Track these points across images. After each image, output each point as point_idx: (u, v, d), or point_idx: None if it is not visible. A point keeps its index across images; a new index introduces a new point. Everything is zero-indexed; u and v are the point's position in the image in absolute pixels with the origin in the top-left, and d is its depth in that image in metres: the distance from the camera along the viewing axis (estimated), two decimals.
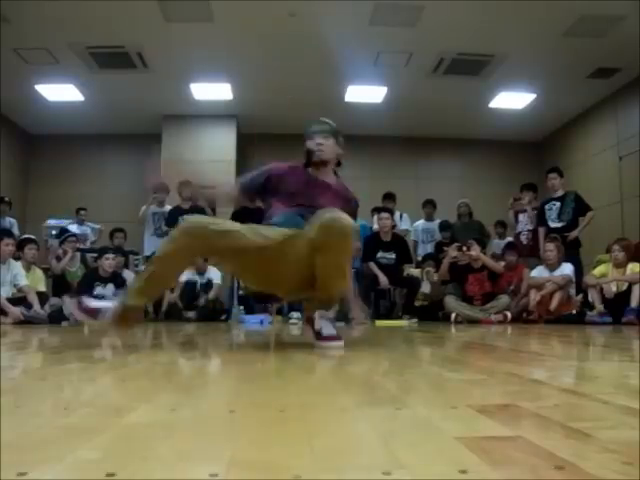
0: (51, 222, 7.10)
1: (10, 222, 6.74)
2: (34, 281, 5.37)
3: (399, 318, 5.61)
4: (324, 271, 2.13)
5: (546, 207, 6.04)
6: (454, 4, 5.40)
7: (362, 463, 0.62)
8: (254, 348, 2.55)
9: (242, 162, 8.69)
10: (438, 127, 8.77)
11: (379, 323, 5.06)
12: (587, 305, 5.29)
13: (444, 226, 6.97)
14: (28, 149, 8.84)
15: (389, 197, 6.93)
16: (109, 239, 6.92)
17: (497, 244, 6.97)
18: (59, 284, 6.03)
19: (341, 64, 6.72)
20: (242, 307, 6.03)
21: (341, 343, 2.21)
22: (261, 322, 5.35)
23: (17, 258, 5.36)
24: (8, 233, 5.61)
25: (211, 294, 6.04)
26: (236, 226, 2.19)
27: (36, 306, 4.97)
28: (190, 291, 6.05)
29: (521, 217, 6.54)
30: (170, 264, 2.19)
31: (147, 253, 6.70)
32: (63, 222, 7.09)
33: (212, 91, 7.59)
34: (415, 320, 5.36)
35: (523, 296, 5.62)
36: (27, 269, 5.35)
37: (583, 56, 6.44)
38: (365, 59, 6.66)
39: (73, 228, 7.11)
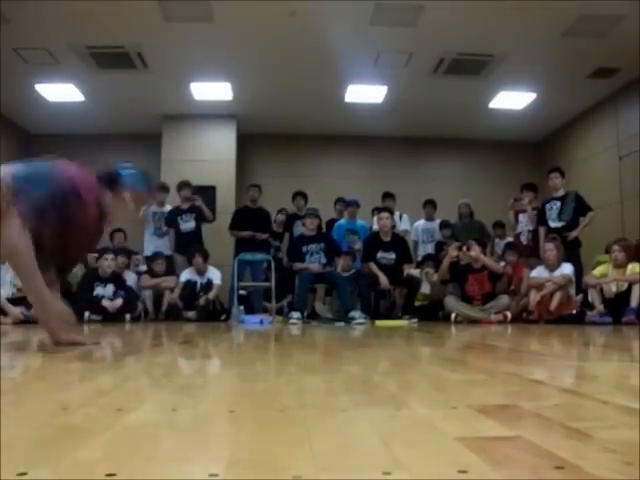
0: None
1: None
2: None
3: (399, 318, 5.60)
4: None
5: (547, 206, 6.04)
6: (454, 4, 5.40)
7: (362, 463, 0.62)
8: (254, 348, 2.55)
9: (242, 162, 8.70)
10: (438, 127, 8.76)
11: (379, 323, 5.05)
12: (587, 305, 5.28)
13: (444, 224, 6.98)
14: (28, 149, 8.82)
15: (389, 196, 6.94)
16: (109, 240, 6.91)
17: (497, 244, 6.97)
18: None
19: (341, 64, 6.71)
20: (242, 307, 6.03)
21: None
22: (261, 322, 5.35)
23: None
24: None
25: (211, 294, 6.04)
26: None
27: None
28: (190, 291, 6.05)
29: (521, 217, 6.54)
30: None
31: (147, 253, 6.71)
32: None
33: (212, 91, 7.58)
34: (415, 320, 5.35)
35: (523, 296, 5.62)
36: None
37: (583, 56, 6.43)
38: (365, 59, 6.66)
39: None
